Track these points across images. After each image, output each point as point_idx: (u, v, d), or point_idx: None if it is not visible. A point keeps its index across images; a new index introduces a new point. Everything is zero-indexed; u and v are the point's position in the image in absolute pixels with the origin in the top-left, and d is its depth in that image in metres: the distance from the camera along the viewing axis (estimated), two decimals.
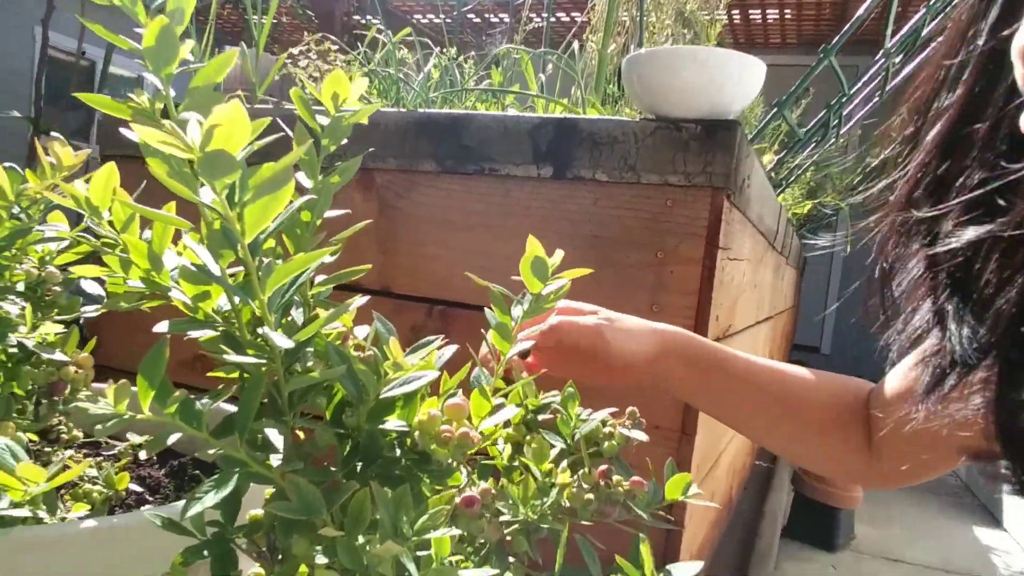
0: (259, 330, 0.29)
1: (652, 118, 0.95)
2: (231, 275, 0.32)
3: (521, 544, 0.39)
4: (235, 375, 0.36)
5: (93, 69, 6.10)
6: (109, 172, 0.35)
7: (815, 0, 5.27)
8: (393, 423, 0.31)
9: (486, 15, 5.67)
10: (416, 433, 0.32)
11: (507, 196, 1.01)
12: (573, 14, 5.66)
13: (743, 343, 1.38)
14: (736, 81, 0.90)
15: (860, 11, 1.19)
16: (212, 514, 0.33)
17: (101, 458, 0.60)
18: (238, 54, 0.42)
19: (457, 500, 0.35)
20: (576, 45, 1.38)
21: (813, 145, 1.56)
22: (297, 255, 0.28)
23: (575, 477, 0.40)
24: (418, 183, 1.05)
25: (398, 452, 0.31)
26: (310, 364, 0.31)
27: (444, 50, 1.63)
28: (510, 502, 0.37)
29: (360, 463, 0.31)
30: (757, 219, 1.25)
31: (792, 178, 1.76)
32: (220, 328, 0.34)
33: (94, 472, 0.55)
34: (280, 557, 0.32)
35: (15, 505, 0.40)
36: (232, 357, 0.29)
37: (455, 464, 0.33)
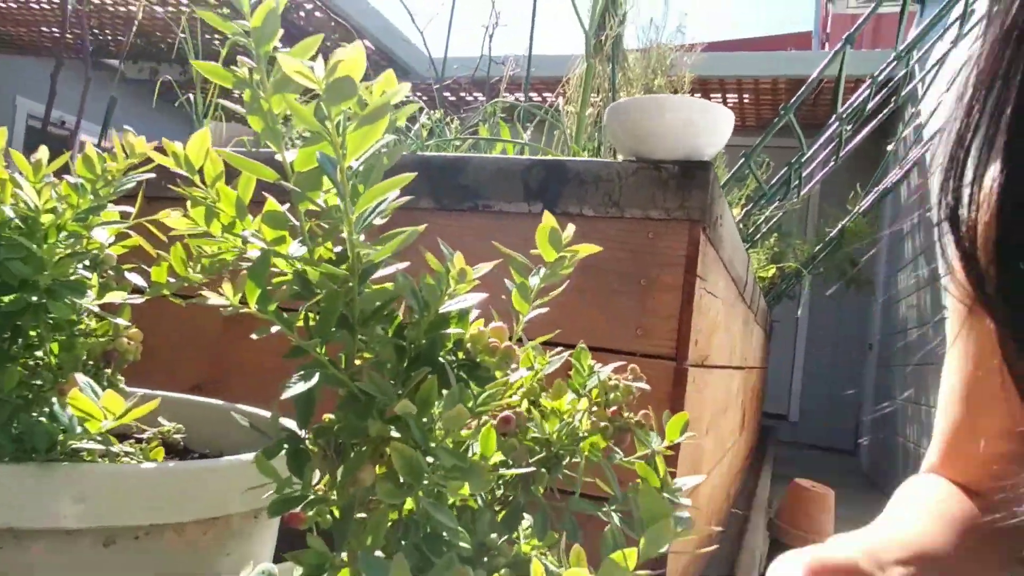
0: (351, 237, 0.35)
1: (633, 159, 1.04)
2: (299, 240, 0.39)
3: (543, 478, 0.44)
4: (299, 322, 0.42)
5: (67, 136, 6.18)
6: (204, 136, 0.42)
7: (771, 86, 5.62)
8: (452, 331, 0.37)
9: (461, 93, 5.91)
10: (468, 344, 0.38)
11: (500, 230, 1.09)
12: (544, 94, 5.92)
13: (719, 383, 1.45)
14: (709, 127, 1.00)
15: (812, 76, 1.33)
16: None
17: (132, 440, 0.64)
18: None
19: (493, 422, 0.41)
20: (559, 104, 1.50)
21: (776, 203, 1.68)
22: (383, 183, 0.35)
23: (586, 410, 0.46)
24: (417, 219, 1.13)
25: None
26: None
27: (431, 113, 1.74)
28: (537, 428, 0.43)
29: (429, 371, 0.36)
30: (728, 262, 1.34)
31: (758, 235, 1.87)
32: (292, 272, 0.40)
33: (130, 449, 0.59)
34: (345, 456, 0.37)
35: (91, 438, 0.45)
36: (318, 268, 0.35)
37: (500, 374, 0.39)
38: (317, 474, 0.39)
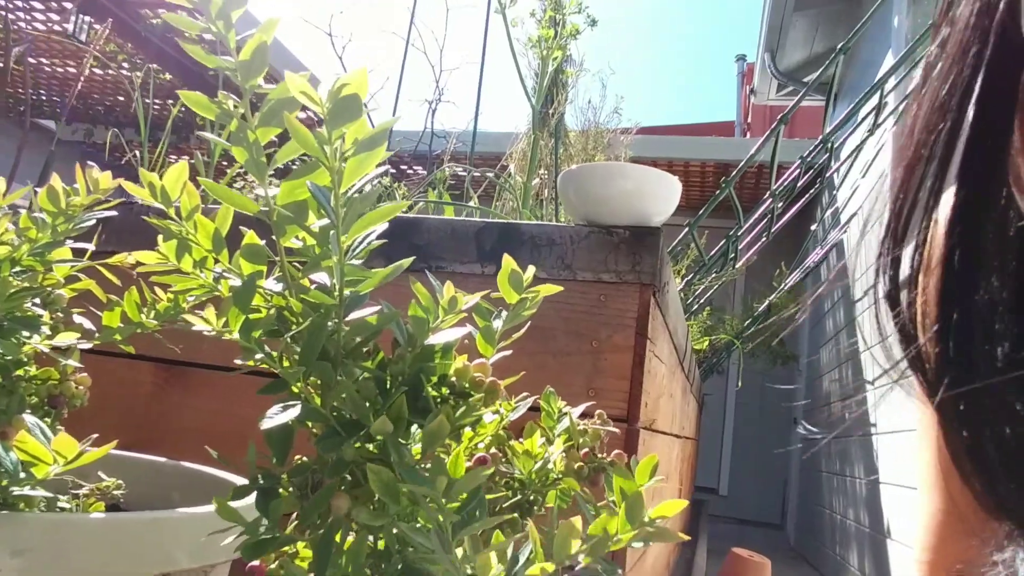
0: (341, 265, 0.35)
1: (585, 224, 1.07)
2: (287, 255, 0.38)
3: (517, 525, 0.44)
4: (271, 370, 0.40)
5: None
6: (182, 168, 0.41)
7: (700, 169, 5.90)
8: (437, 364, 0.36)
9: (403, 166, 5.98)
10: (453, 379, 0.37)
11: None
12: (484, 170, 6.04)
13: (663, 448, 1.46)
14: (659, 195, 1.04)
15: (751, 152, 1.41)
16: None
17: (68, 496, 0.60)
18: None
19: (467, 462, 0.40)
20: (507, 172, 1.53)
21: (714, 275, 1.74)
22: (376, 210, 0.35)
23: (561, 452, 0.45)
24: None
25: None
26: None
27: (380, 180, 1.75)
28: (511, 468, 0.42)
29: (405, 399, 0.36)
30: (673, 329, 1.37)
31: (695, 306, 1.93)
32: (271, 306, 0.39)
33: (65, 504, 0.55)
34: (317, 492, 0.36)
35: (35, 485, 0.42)
36: (303, 297, 0.35)
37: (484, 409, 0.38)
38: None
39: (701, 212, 1.39)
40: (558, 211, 1.90)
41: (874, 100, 1.90)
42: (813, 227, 3.73)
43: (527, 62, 1.99)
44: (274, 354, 0.38)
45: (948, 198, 0.35)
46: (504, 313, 0.53)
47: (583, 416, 0.52)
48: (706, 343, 2.92)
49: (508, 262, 0.52)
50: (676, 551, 2.29)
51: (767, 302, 3.68)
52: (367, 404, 0.38)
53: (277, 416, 0.33)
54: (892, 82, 2.01)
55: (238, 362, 0.34)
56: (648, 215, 1.05)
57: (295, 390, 0.36)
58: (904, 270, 0.37)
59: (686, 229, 1.36)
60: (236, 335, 0.34)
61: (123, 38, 4.76)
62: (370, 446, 0.37)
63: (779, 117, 1.47)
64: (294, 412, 0.34)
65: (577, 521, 0.35)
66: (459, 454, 0.35)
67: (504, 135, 2.71)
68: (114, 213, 0.52)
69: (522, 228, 1.08)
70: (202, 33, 0.39)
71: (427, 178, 1.77)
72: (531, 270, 0.54)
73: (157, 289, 0.53)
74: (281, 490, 0.37)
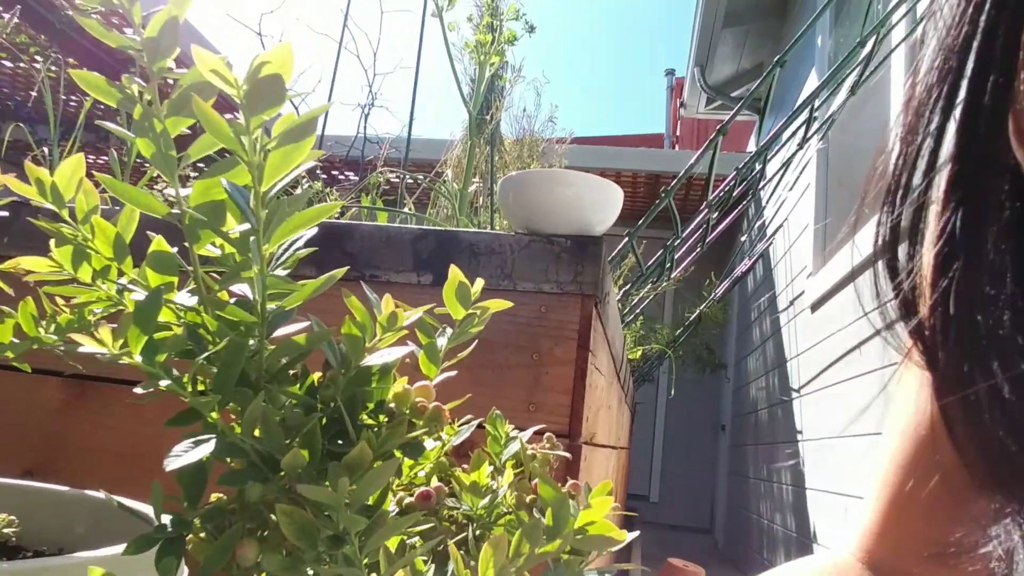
0: (263, 276, 0.30)
1: (526, 232, 1.04)
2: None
3: (461, 566, 0.39)
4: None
5: None
6: (77, 162, 0.35)
7: (632, 179, 5.98)
8: (373, 388, 0.32)
9: (334, 172, 5.85)
10: (392, 405, 0.33)
11: None
12: (418, 176, 5.97)
13: (602, 461, 1.44)
14: (601, 203, 1.02)
15: (690, 163, 1.41)
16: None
17: None
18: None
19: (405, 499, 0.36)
20: (443, 179, 1.49)
21: (650, 285, 1.74)
22: (304, 212, 0.30)
23: (511, 485, 0.41)
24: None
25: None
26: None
27: (310, 184, 1.68)
28: (459, 503, 0.38)
29: (333, 433, 0.31)
30: (611, 340, 1.36)
31: (632, 316, 1.93)
32: (182, 323, 0.34)
33: None
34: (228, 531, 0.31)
35: None
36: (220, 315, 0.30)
37: (427, 438, 0.34)
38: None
39: (641, 221, 1.38)
40: (494, 219, 1.87)
41: (803, 116, 1.95)
42: (742, 238, 3.81)
43: (463, 67, 1.96)
44: (185, 379, 0.33)
45: (947, 158, 0.34)
46: (449, 329, 0.49)
47: (533, 439, 0.48)
48: (639, 353, 2.94)
49: (455, 273, 0.48)
50: (611, 561, 2.28)
51: (697, 311, 3.74)
52: (294, 433, 0.33)
53: (186, 454, 0.28)
54: (817, 100, 2.06)
55: (138, 391, 0.29)
56: (590, 224, 1.03)
57: (212, 419, 0.32)
58: (904, 237, 0.36)
59: (626, 239, 1.35)
60: (137, 358, 0.29)
61: (36, 30, 4.50)
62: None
63: (718, 128, 1.48)
64: (207, 448, 0.29)
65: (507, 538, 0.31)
66: (389, 488, 0.31)
67: (439, 141, 2.66)
68: (4, 214, 0.46)
69: (461, 236, 1.04)
70: (112, 13, 0.33)
71: (360, 183, 1.71)
72: (479, 283, 0.50)
73: (60, 300, 0.47)
74: (192, 537, 0.32)
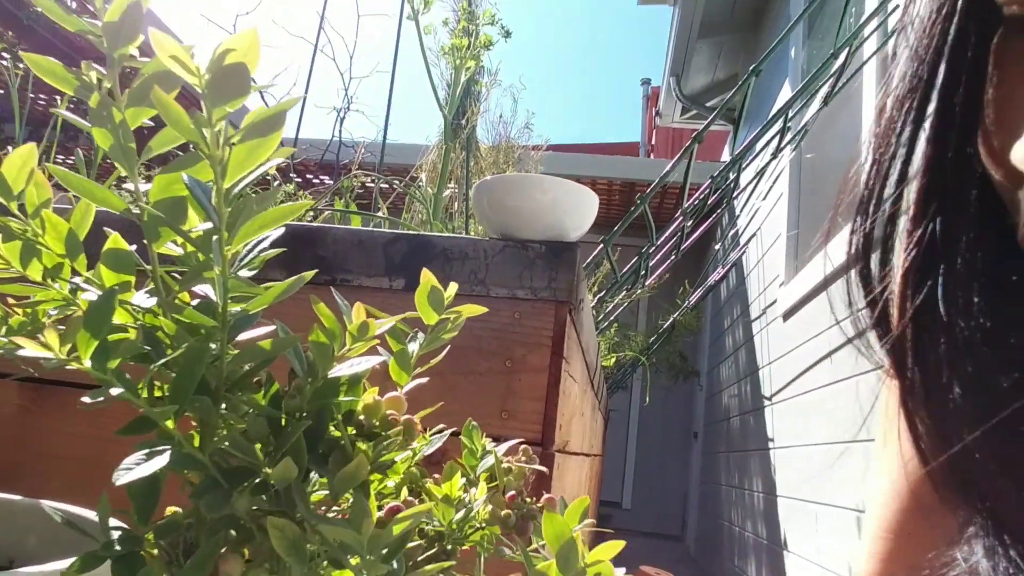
0: (225, 278, 0.28)
1: (500, 238, 1.03)
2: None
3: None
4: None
5: None
6: (28, 152, 0.34)
7: (607, 187, 6.01)
8: (342, 400, 0.30)
9: (309, 175, 5.80)
10: (361, 417, 0.31)
11: None
12: (394, 181, 5.93)
13: (575, 469, 1.43)
14: (576, 209, 1.01)
15: (665, 171, 1.41)
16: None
17: None
18: None
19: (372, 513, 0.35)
20: (418, 183, 1.48)
21: (625, 292, 1.74)
22: (270, 211, 0.29)
23: (485, 499, 0.40)
24: None
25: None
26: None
27: (284, 186, 1.66)
28: (430, 518, 0.37)
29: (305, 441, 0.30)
30: (586, 347, 1.35)
31: (605, 323, 1.92)
32: (139, 325, 0.33)
33: None
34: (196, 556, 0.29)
35: None
36: (177, 318, 0.28)
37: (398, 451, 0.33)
38: None
39: (616, 228, 1.37)
40: (469, 224, 1.85)
41: (777, 126, 1.96)
42: (716, 246, 3.84)
43: (439, 72, 1.94)
44: (141, 385, 0.32)
45: (919, 169, 0.34)
46: (421, 335, 0.47)
47: (509, 452, 0.47)
48: (613, 360, 2.94)
49: (428, 277, 0.47)
50: None
51: (671, 319, 3.76)
52: (257, 446, 0.31)
53: (138, 467, 0.27)
54: (791, 111, 2.08)
55: (86, 400, 0.27)
56: (565, 230, 1.02)
57: (167, 429, 0.30)
58: (877, 246, 0.36)
59: (601, 246, 1.35)
60: (87, 364, 0.27)
61: (3, 26, 4.40)
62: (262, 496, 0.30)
63: (694, 136, 1.48)
64: (161, 461, 0.28)
65: None
66: (372, 500, 0.29)
67: (415, 146, 2.65)
68: None
69: (434, 240, 1.03)
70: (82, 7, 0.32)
71: (334, 186, 1.68)
72: (453, 287, 0.48)
73: (11, 300, 0.45)
74: (145, 554, 0.30)
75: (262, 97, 2.61)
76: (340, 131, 3.63)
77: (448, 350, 1.03)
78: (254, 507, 0.27)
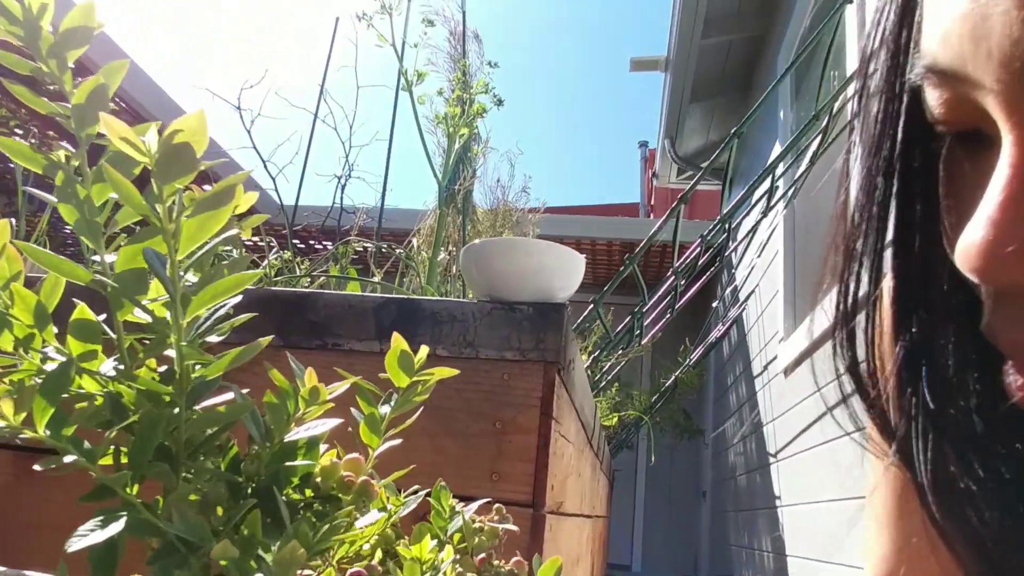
0: (179, 346, 0.29)
1: (488, 300, 1.04)
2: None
3: None
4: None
5: None
6: (1, 227, 0.35)
7: (607, 247, 6.06)
8: (299, 463, 0.31)
9: (311, 241, 5.87)
10: (319, 479, 0.32)
11: (350, 369, 1.03)
12: (393, 246, 6.00)
13: (572, 531, 1.40)
14: (563, 271, 1.03)
15: (653, 230, 1.44)
16: None
17: None
18: None
19: None
20: (412, 249, 1.50)
21: (620, 351, 1.74)
22: (223, 280, 0.30)
23: (454, 562, 0.40)
24: (261, 355, 1.04)
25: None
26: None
27: (281, 254, 1.69)
28: None
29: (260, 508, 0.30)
30: (580, 407, 1.35)
31: (603, 383, 1.92)
32: (104, 392, 0.34)
33: None
34: None
35: None
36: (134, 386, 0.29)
37: (355, 515, 0.33)
38: None
39: (605, 288, 1.39)
40: (465, 288, 1.87)
41: (766, 185, 2.00)
42: (715, 304, 3.85)
43: (435, 139, 2.00)
44: (111, 451, 0.32)
45: (888, 280, 0.34)
46: (395, 397, 0.48)
47: (481, 511, 0.47)
48: (615, 419, 2.91)
49: (397, 341, 0.48)
50: None
51: (673, 377, 3.74)
52: (217, 511, 0.32)
53: (92, 534, 0.27)
54: (780, 169, 2.12)
55: (37, 468, 0.28)
56: (552, 291, 1.03)
57: (126, 495, 0.31)
58: (860, 345, 0.36)
59: (591, 306, 1.36)
60: (42, 432, 0.28)
61: None
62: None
63: (679, 197, 1.51)
64: (117, 527, 0.28)
65: None
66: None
67: (414, 211, 2.69)
68: None
69: (423, 304, 1.04)
70: (42, 77, 0.34)
71: (328, 252, 1.71)
72: (424, 350, 0.50)
73: None
74: None
75: (265, 168, 2.67)
76: (341, 198, 3.69)
77: (438, 411, 1.03)
78: None
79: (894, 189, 0.33)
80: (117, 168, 0.31)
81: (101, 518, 0.29)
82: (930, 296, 0.32)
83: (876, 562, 0.50)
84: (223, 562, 0.25)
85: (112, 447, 0.34)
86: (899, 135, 0.32)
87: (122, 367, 0.34)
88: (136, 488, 0.32)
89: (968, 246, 0.26)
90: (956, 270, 0.31)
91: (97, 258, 0.33)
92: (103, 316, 0.35)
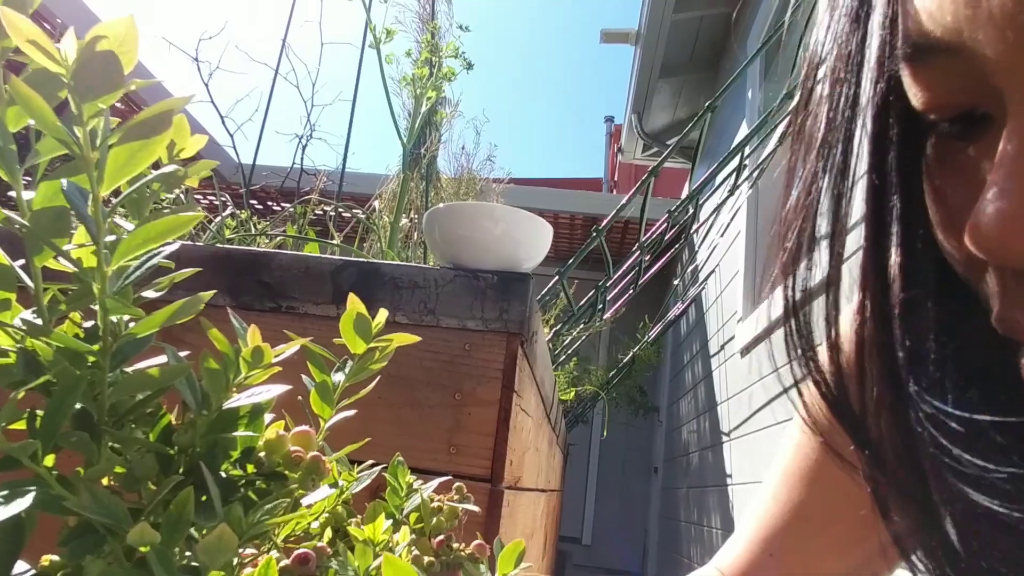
0: (102, 298, 0.25)
1: (451, 267, 1.00)
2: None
3: None
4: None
5: None
6: None
7: (569, 221, 6.04)
8: (240, 434, 0.27)
9: (269, 202, 5.73)
10: (262, 454, 0.28)
11: (304, 333, 0.98)
12: (354, 210, 5.90)
13: (528, 506, 1.39)
14: (528, 239, 0.99)
15: (621, 204, 1.41)
16: None
17: None
18: None
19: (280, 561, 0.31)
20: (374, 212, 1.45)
21: (582, 325, 1.73)
22: (154, 223, 0.26)
23: (410, 544, 0.37)
24: (208, 316, 0.99)
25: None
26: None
27: (236, 213, 1.62)
28: (344, 567, 0.33)
29: (192, 485, 0.27)
30: (540, 380, 1.32)
31: (563, 357, 1.90)
32: (19, 349, 0.29)
33: None
34: None
35: None
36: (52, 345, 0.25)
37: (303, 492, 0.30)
38: None
39: (571, 261, 1.36)
40: (427, 255, 1.83)
41: (734, 163, 1.99)
42: (676, 281, 3.87)
43: (401, 102, 1.93)
44: (6, 414, 0.28)
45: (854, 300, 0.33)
46: (350, 364, 0.45)
47: (441, 489, 0.44)
48: (572, 394, 2.91)
49: (354, 303, 0.44)
50: None
51: (631, 353, 3.76)
52: (148, 485, 0.28)
53: None
54: (747, 149, 2.12)
55: None
56: (517, 260, 1.00)
57: (35, 467, 0.27)
58: (816, 327, 0.35)
59: (556, 278, 1.33)
60: None
61: None
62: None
63: (649, 170, 1.49)
64: (23, 503, 0.24)
65: None
66: (270, 563, 0.26)
67: (376, 176, 2.62)
68: None
69: (383, 268, 1.00)
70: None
71: (284, 213, 1.65)
72: (383, 313, 0.46)
73: None
74: None
75: (223, 123, 2.57)
76: (302, 158, 3.58)
77: (398, 381, 0.99)
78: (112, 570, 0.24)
79: (867, 177, 0.31)
80: (38, 91, 0.27)
81: (5, 492, 0.25)
82: (907, 279, 0.30)
83: (765, 517, 0.55)
84: (142, 548, 0.22)
85: (28, 412, 0.30)
86: (870, 127, 0.30)
87: (39, 321, 0.29)
88: (52, 459, 0.28)
89: (983, 223, 0.24)
90: (934, 258, 0.30)
91: (14, 194, 0.29)
92: (21, 261, 0.31)
